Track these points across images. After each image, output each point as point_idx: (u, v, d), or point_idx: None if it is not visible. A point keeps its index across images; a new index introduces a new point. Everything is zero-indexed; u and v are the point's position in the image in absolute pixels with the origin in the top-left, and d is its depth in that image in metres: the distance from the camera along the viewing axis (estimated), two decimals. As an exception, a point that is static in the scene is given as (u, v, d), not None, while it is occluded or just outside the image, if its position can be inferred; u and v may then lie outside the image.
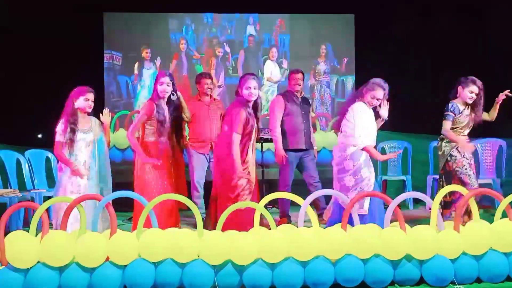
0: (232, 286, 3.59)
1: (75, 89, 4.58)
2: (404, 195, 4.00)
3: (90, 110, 4.61)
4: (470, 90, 4.90)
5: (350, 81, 8.56)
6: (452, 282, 3.67)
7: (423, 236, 3.67)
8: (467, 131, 5.03)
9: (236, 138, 4.62)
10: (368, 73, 8.00)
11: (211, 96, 6.01)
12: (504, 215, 3.85)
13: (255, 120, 4.75)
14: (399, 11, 8.06)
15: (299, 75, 5.87)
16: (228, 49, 8.50)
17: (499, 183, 6.35)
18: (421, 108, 8.00)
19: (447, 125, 4.93)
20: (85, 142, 4.57)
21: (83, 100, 4.55)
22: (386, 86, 4.50)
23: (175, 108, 4.91)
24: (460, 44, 8.10)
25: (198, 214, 3.73)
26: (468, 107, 4.97)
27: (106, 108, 4.75)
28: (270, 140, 6.56)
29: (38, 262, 3.54)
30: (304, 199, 3.86)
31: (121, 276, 3.55)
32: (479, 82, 4.92)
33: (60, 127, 4.50)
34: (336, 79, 8.57)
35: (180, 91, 5.09)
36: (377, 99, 4.47)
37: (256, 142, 6.12)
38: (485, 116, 5.07)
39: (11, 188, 5.77)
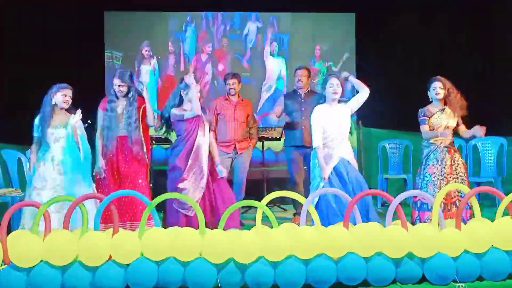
0: (235, 284, 3.60)
1: (53, 85, 4.73)
2: (405, 193, 4.01)
3: (67, 106, 4.71)
4: (433, 87, 4.91)
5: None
6: (454, 280, 3.68)
7: (425, 234, 3.68)
8: (448, 133, 4.86)
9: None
10: (368, 72, 8.03)
11: (239, 96, 6.00)
12: (505, 213, 3.87)
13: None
14: (400, 10, 8.05)
15: (300, 71, 5.89)
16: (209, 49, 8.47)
17: (500, 181, 6.36)
18: (422, 106, 7.99)
19: (424, 128, 4.89)
20: (54, 137, 4.63)
21: (60, 96, 4.66)
22: None
23: (132, 105, 4.93)
24: (463, 43, 8.09)
25: (200, 212, 3.73)
26: (443, 110, 4.88)
27: (79, 109, 4.75)
28: (271, 139, 6.58)
29: (41, 261, 3.55)
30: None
31: (124, 275, 3.56)
32: (442, 78, 4.91)
33: (36, 121, 4.66)
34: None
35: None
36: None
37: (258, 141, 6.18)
38: (461, 130, 4.93)
39: (12, 187, 5.78)
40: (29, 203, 4.11)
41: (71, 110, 4.71)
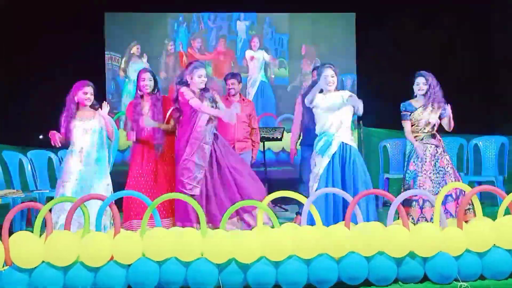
0: (236, 284, 3.60)
1: (75, 84, 4.75)
2: (406, 193, 4.01)
3: (89, 103, 4.73)
4: (416, 83, 4.92)
5: (349, 80, 8.54)
6: (456, 279, 3.68)
7: (426, 233, 3.67)
8: (428, 129, 4.86)
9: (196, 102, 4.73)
10: (368, 72, 8.03)
11: (240, 95, 5.99)
12: (507, 212, 3.86)
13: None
14: (400, 10, 8.06)
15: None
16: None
17: (501, 181, 6.36)
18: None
19: (406, 126, 4.90)
20: (83, 129, 4.65)
21: (82, 94, 4.69)
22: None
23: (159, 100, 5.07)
24: (462, 43, 8.10)
25: (201, 212, 3.73)
26: (425, 106, 4.87)
27: (105, 102, 4.80)
28: (272, 139, 6.56)
29: (43, 262, 3.55)
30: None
31: (126, 275, 3.56)
32: (425, 73, 4.91)
33: (62, 118, 4.69)
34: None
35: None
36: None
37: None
38: (443, 123, 4.90)
39: (14, 188, 5.78)
40: (31, 205, 4.13)
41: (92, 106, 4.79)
